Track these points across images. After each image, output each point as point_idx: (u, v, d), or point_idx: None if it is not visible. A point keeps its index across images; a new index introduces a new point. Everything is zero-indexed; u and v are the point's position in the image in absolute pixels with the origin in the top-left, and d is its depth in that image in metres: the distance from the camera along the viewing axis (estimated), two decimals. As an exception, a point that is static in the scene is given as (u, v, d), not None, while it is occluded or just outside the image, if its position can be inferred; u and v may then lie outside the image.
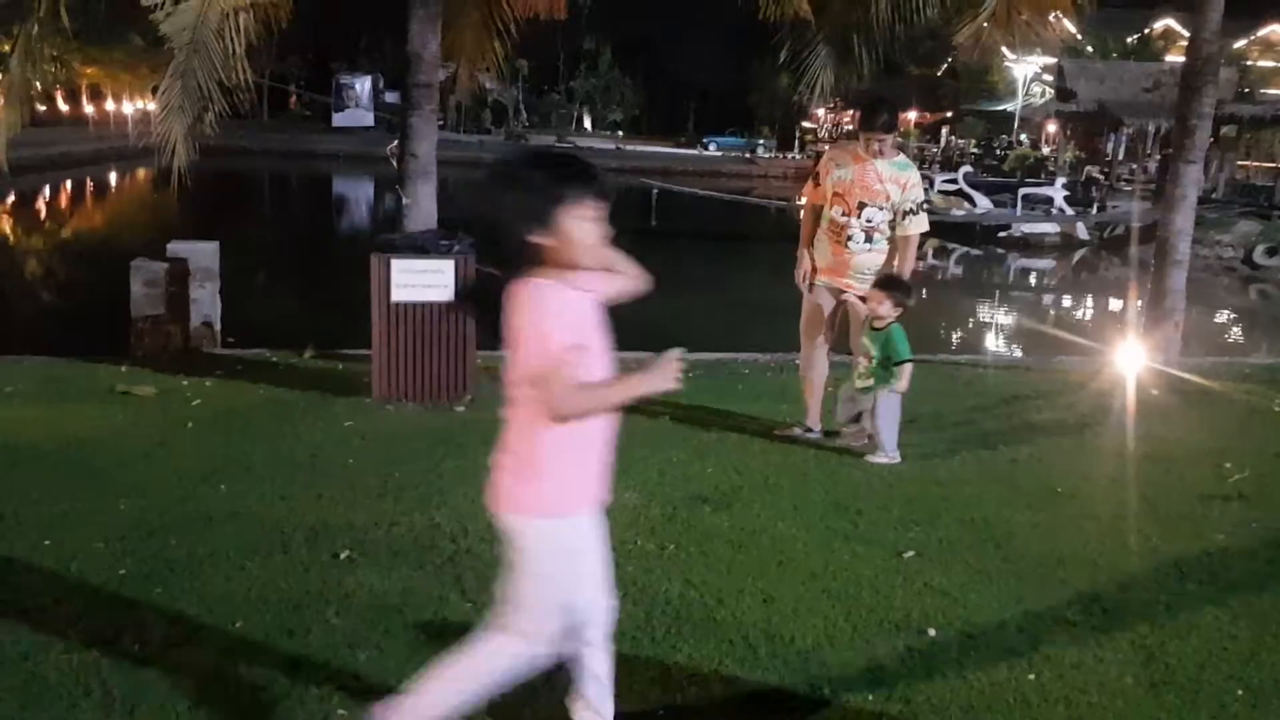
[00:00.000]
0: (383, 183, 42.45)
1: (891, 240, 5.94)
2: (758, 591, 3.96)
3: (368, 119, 52.53)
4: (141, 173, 39.82)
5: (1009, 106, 41.83)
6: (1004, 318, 18.16)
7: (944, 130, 46.59)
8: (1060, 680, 3.37)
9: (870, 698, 3.22)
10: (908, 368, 5.68)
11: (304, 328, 9.61)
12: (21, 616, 3.57)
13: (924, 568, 4.24)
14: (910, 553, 4.38)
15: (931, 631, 3.66)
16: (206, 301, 8.77)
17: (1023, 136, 41.03)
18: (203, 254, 8.85)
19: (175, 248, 8.80)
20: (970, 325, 17.29)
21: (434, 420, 6.23)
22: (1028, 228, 27.65)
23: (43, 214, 29.56)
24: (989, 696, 3.26)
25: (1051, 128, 41.37)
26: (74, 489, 4.85)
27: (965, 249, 27.23)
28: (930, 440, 6.21)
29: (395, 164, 7.54)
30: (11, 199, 29.53)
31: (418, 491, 4.96)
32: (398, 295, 6.49)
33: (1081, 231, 27.85)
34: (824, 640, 3.58)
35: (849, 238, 5.88)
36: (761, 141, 56.59)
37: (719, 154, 55.43)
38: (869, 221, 5.83)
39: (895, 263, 5.92)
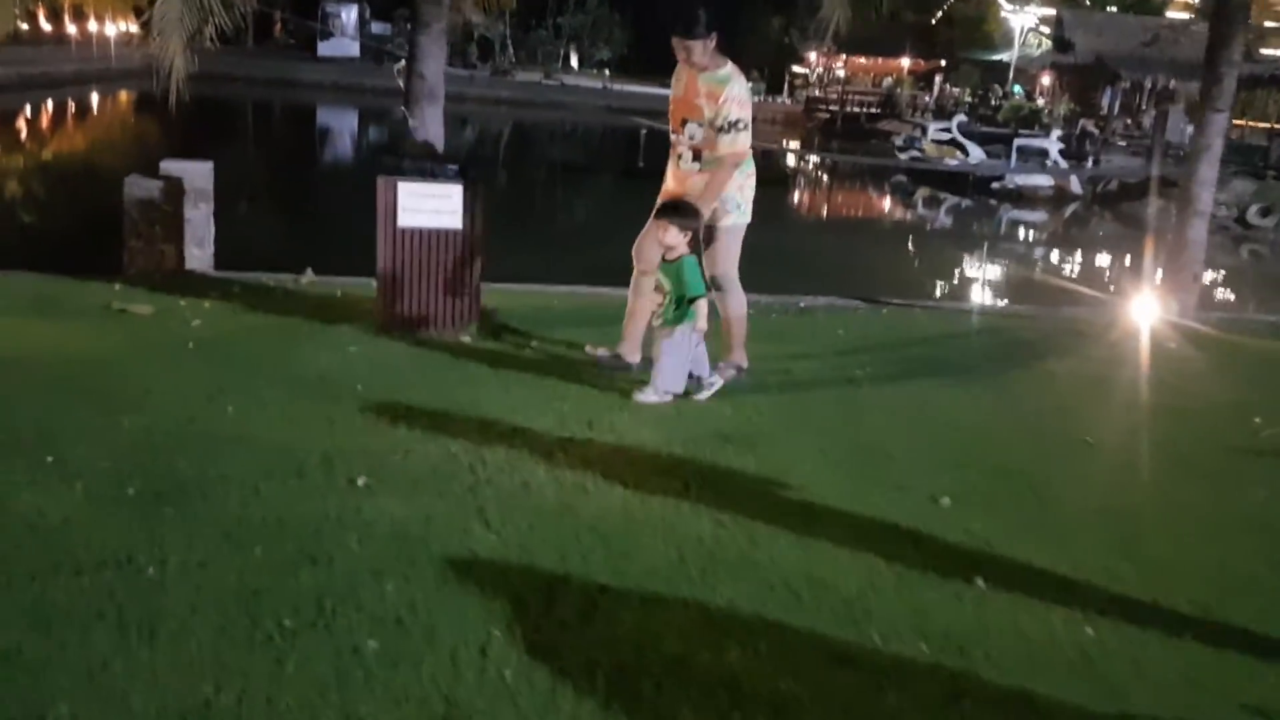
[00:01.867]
0: (368, 114, 41.85)
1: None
2: (792, 534, 3.81)
3: (353, 49, 51.47)
4: (124, 95, 39.05)
5: (1004, 56, 41.41)
6: (1002, 268, 18.01)
7: (937, 78, 46.12)
8: (1119, 635, 3.24)
9: (924, 649, 3.09)
10: (702, 304, 5.23)
11: (297, 252, 9.40)
12: (27, 535, 3.39)
13: (962, 515, 4.10)
14: (946, 499, 4.24)
15: (979, 581, 3.53)
16: (200, 222, 8.52)
17: (1017, 87, 40.66)
18: (196, 174, 8.57)
19: (168, 166, 8.52)
20: (969, 275, 17.15)
21: (441, 349, 6.03)
22: (1021, 180, 27.43)
23: (25, 133, 28.90)
24: (1048, 651, 3.13)
25: (1046, 79, 41.02)
26: (75, 406, 4.64)
27: (957, 199, 27.06)
28: (950, 387, 6.08)
29: (402, 85, 7.26)
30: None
31: (430, 419, 4.78)
32: (404, 220, 6.25)
33: (1075, 185, 27.68)
34: (868, 587, 3.44)
35: (679, 156, 5.59)
36: (750, 84, 55.95)
37: (708, 95, 54.67)
38: (691, 139, 5.48)
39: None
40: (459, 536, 3.62)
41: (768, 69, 54.93)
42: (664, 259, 5.30)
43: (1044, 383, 6.35)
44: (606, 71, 63.50)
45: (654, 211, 5.44)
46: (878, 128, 41.62)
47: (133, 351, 5.64)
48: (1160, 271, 8.81)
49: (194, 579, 3.18)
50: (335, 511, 3.74)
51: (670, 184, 5.74)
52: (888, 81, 48.76)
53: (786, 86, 54.53)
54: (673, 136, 5.65)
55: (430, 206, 6.26)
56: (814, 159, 36.24)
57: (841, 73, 51.01)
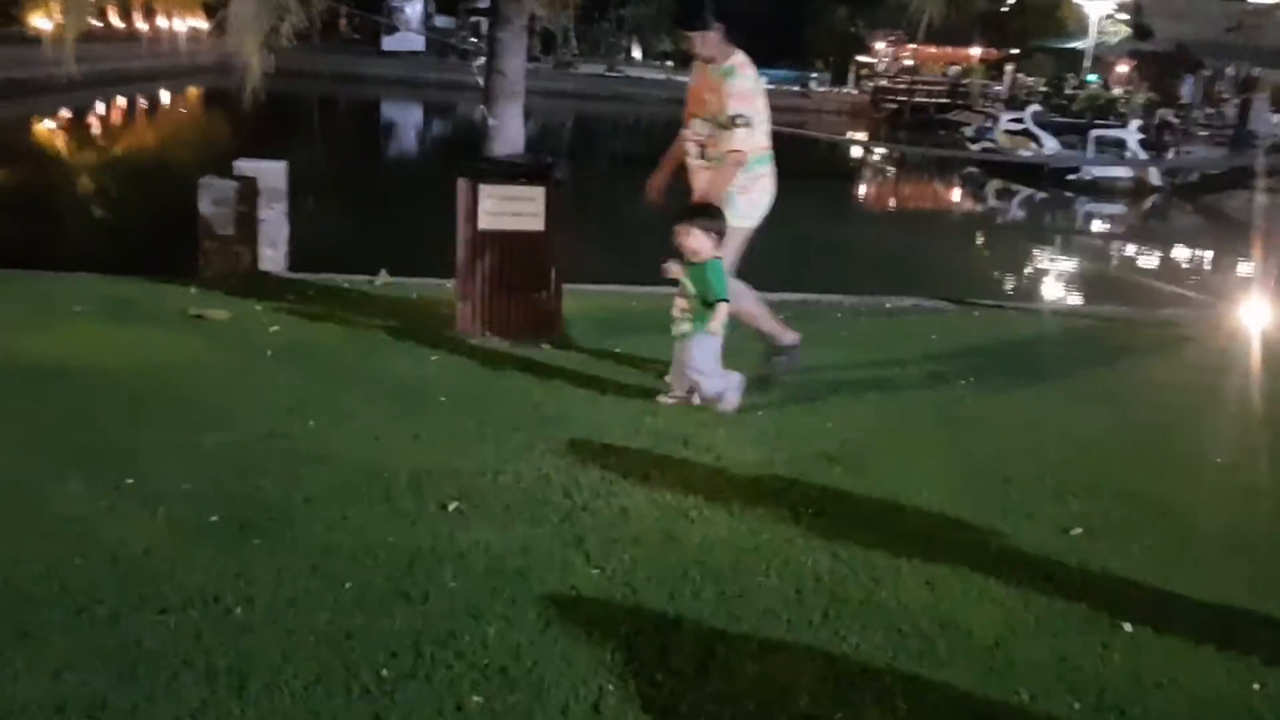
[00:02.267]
0: (432, 108, 41.84)
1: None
2: (916, 569, 3.53)
3: (418, 43, 51.57)
4: (193, 91, 39.44)
5: (1079, 44, 40.41)
6: (1087, 264, 17.36)
7: (1008, 68, 45.12)
8: (1291, 691, 2.93)
9: (1077, 707, 2.80)
10: (722, 308, 4.89)
11: (368, 252, 9.31)
12: (110, 568, 3.21)
13: (1096, 548, 3.79)
14: (1077, 529, 3.93)
15: (1127, 627, 3.22)
16: (274, 223, 8.42)
17: (1091, 76, 39.61)
18: (270, 173, 8.47)
19: (242, 166, 8.43)
20: (1053, 272, 16.60)
21: (524, 359, 5.82)
22: (1098, 171, 26.66)
23: (99, 130, 29.28)
24: (1212, 710, 2.83)
25: (1123, 68, 39.96)
26: (154, 419, 4.50)
27: (1031, 191, 26.38)
28: (1058, 398, 5.76)
29: (480, 82, 7.04)
30: (66, 114, 29.29)
31: (518, 436, 4.56)
32: (485, 223, 6.05)
33: (1154, 177, 26.83)
34: (1007, 633, 3.15)
35: (687, 153, 5.39)
36: (815, 75, 55.06)
37: (771, 87, 53.76)
38: (697, 134, 5.29)
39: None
40: (559, 571, 3.39)
41: (832, 59, 54.23)
42: (687, 261, 4.99)
43: (1157, 394, 5.98)
44: (669, 63, 63.09)
45: (676, 214, 5.08)
46: (947, 118, 40.86)
47: (210, 360, 5.51)
48: (1264, 271, 8.34)
49: (284, 620, 2.98)
50: (428, 541, 3.53)
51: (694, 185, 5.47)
52: (954, 70, 47.82)
53: (851, 77, 53.70)
54: (683, 131, 5.42)
55: (512, 209, 6.06)
56: (882, 150, 35.62)
57: (909, 62, 50.12)
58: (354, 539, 3.51)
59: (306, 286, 7.53)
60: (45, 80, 30.23)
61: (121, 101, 34.19)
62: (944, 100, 44.07)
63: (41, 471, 3.91)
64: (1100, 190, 26.08)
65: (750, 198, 5.28)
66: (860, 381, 5.69)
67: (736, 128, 5.11)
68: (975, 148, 31.31)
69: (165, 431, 4.38)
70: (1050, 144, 29.24)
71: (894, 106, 44.98)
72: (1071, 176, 26.73)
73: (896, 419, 5.17)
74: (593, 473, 4.22)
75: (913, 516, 3.99)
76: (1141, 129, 28.73)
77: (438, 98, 43.86)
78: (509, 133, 6.54)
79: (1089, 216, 24.17)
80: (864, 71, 52.26)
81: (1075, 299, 13.42)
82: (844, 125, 42.60)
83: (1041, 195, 26.22)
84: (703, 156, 5.30)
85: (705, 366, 5.01)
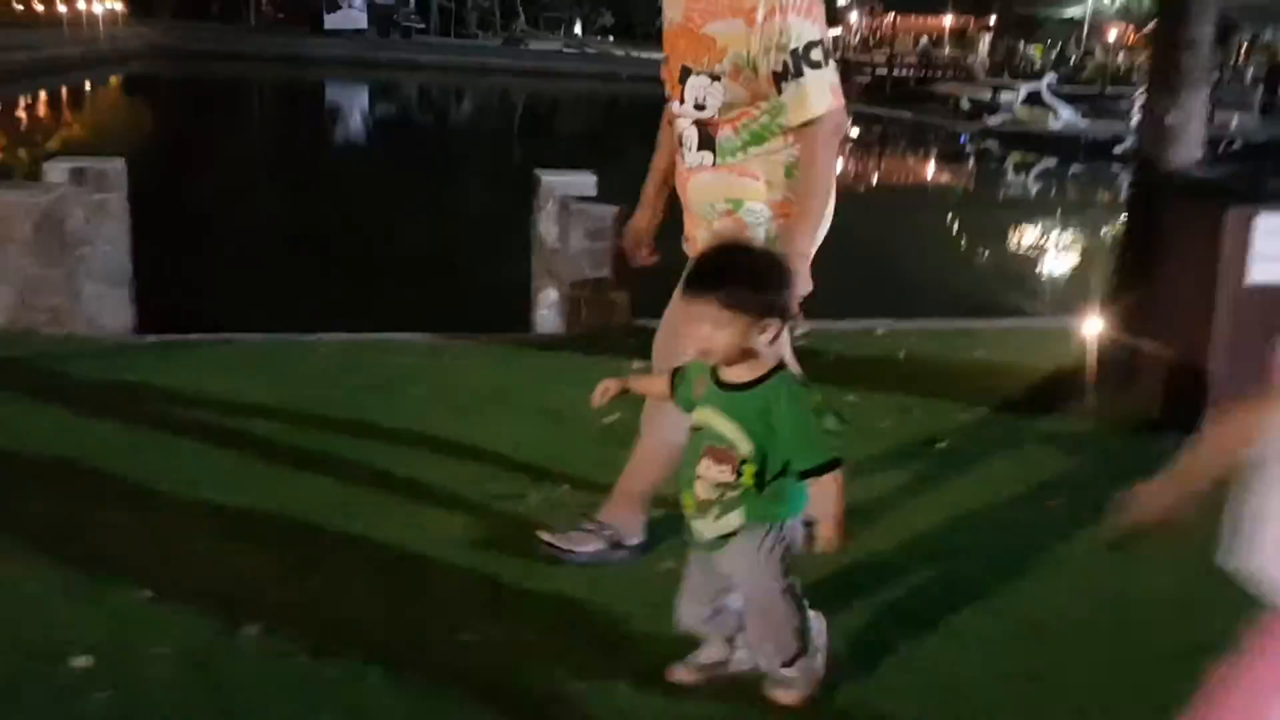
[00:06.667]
0: (377, 91, 38.75)
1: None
2: None
3: (360, 21, 48.34)
4: (113, 80, 35.73)
5: (1073, 12, 39.37)
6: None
7: (985, 37, 43.90)
8: None
9: None
10: (826, 485, 2.21)
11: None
12: None
13: None
14: None
15: None
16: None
17: (1082, 45, 38.66)
18: (578, 187, 6.38)
19: (553, 181, 6.31)
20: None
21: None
22: (1143, 141, 25.38)
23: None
24: None
25: (1112, 34, 39.04)
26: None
27: (1068, 165, 25.10)
28: None
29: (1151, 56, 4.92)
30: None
31: None
32: (1259, 273, 4.03)
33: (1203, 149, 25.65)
34: None
35: (679, 141, 2.94)
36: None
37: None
38: (698, 105, 2.81)
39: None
40: None
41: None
42: (717, 381, 2.28)
43: None
44: (611, 38, 60.97)
45: (683, 277, 2.40)
46: (934, 90, 39.44)
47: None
48: None
49: None
50: None
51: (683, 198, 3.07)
52: (924, 42, 46.48)
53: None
54: (671, 108, 2.96)
55: (1285, 251, 4.06)
56: (873, 118, 33.89)
57: (882, 33, 48.78)
58: None
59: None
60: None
61: (64, 93, 30.52)
62: (923, 73, 42.71)
63: None
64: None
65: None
66: None
67: (815, 68, 2.67)
68: (994, 120, 30.01)
69: None
70: (1066, 114, 28.15)
71: (868, 80, 43.45)
72: (1119, 149, 25.46)
73: None
74: None
75: None
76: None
77: (389, 79, 40.95)
78: (1190, 131, 4.50)
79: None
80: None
81: None
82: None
83: (1079, 169, 25.02)
84: (706, 145, 2.86)
85: (776, 611, 2.33)
